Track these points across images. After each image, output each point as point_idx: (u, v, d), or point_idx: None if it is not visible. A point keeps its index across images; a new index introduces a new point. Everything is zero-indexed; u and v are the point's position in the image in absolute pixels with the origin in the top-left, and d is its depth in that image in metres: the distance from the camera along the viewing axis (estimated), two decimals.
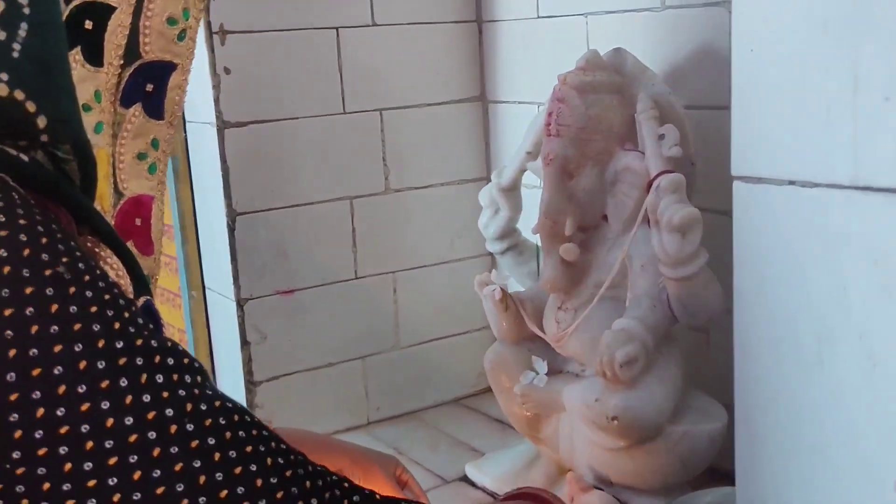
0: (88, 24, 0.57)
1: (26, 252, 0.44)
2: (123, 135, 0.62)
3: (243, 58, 1.23)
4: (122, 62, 0.59)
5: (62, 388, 0.43)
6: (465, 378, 1.48)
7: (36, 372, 0.42)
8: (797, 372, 0.52)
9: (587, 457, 1.04)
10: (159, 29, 0.60)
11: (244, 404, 1.28)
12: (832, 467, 0.53)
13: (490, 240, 1.15)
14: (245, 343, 1.28)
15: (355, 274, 1.36)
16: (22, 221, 0.44)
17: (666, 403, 0.96)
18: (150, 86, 0.61)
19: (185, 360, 0.48)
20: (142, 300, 0.56)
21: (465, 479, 1.21)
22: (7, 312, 0.42)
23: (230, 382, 1.34)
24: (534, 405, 1.08)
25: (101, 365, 0.44)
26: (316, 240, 1.32)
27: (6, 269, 0.43)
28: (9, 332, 0.42)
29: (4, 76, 0.50)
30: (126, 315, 0.47)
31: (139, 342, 0.46)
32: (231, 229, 1.25)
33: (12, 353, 0.42)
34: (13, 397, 0.42)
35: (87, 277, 0.45)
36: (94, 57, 0.57)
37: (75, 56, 0.56)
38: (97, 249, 0.52)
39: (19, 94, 0.51)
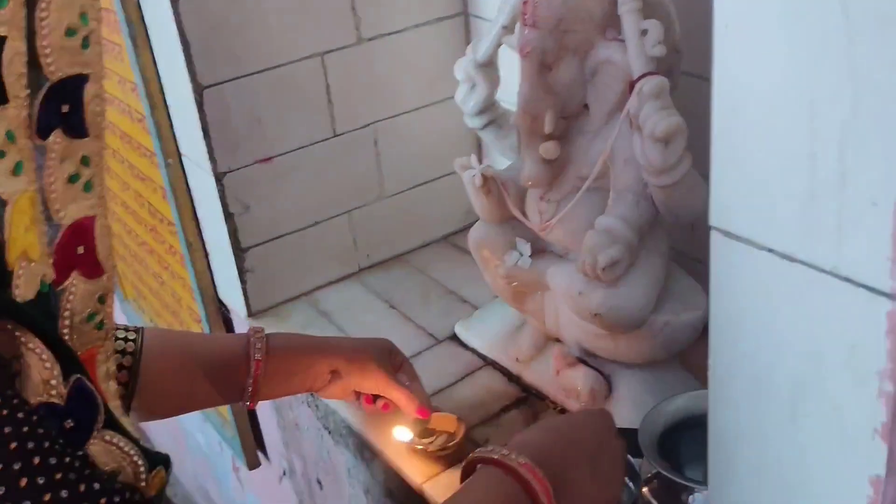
0: None
1: None
2: (49, 164, 0.58)
3: None
4: (28, 91, 0.53)
5: None
6: (451, 217, 1.48)
7: None
8: (769, 422, 0.53)
9: (573, 333, 1.07)
10: (60, 44, 0.54)
11: (234, 269, 1.30)
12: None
13: (469, 115, 1.11)
14: (229, 215, 1.27)
15: (333, 132, 1.32)
16: None
17: (648, 298, 0.97)
18: (65, 107, 0.56)
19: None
20: (73, 379, 0.54)
21: (455, 337, 1.25)
22: None
23: (218, 249, 1.34)
24: (520, 284, 1.09)
25: None
26: (290, 103, 1.27)
27: None
28: None
29: None
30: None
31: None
32: (199, 104, 1.20)
33: None
34: None
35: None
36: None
37: None
38: (17, 333, 0.51)
39: None
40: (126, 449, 0.56)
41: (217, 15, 1.18)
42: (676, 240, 1.05)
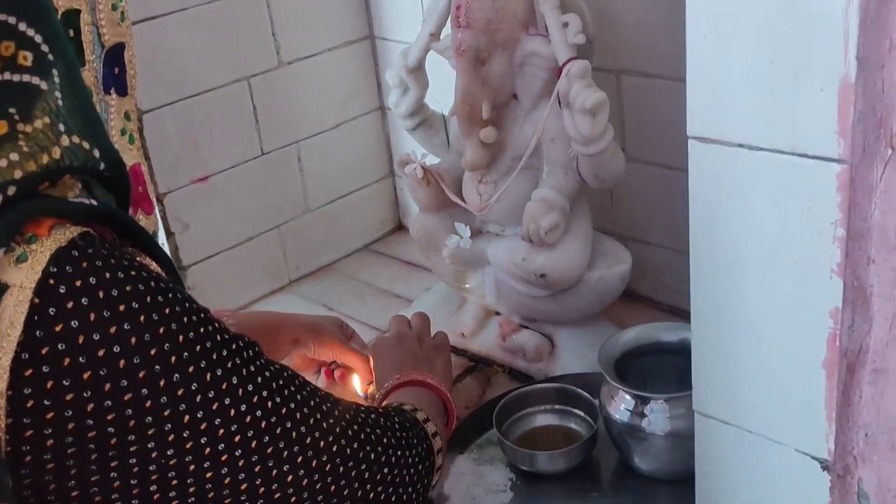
0: (71, 32, 0.63)
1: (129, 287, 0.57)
2: (110, 118, 0.68)
3: None
4: (93, 56, 0.65)
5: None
6: (370, 226, 1.59)
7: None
8: (745, 285, 0.68)
9: (513, 302, 1.20)
10: (108, 17, 0.66)
11: None
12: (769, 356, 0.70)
13: (401, 117, 1.23)
14: (170, 234, 1.34)
15: (261, 150, 1.42)
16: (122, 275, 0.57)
17: (583, 256, 1.12)
18: (116, 69, 0.68)
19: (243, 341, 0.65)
20: None
21: None
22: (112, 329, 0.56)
23: None
24: (462, 263, 1.22)
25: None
26: (221, 124, 1.36)
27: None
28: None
29: (62, 126, 0.57)
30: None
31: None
32: (140, 130, 1.27)
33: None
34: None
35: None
36: (79, 57, 0.63)
37: None
38: (138, 258, 0.60)
39: (76, 138, 0.58)
40: None
41: (152, 45, 1.26)
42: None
